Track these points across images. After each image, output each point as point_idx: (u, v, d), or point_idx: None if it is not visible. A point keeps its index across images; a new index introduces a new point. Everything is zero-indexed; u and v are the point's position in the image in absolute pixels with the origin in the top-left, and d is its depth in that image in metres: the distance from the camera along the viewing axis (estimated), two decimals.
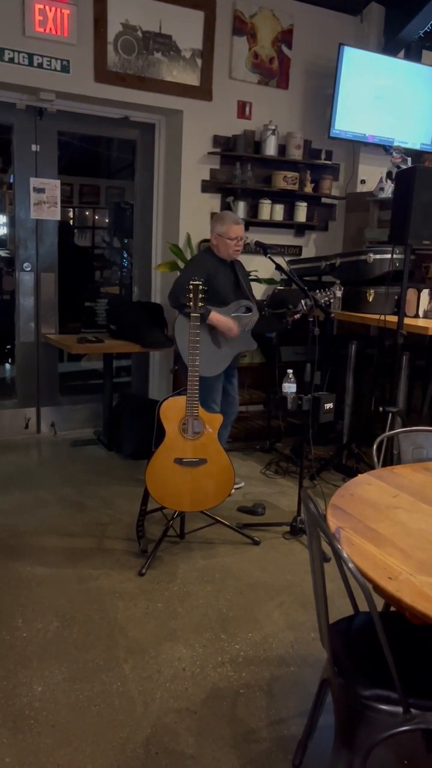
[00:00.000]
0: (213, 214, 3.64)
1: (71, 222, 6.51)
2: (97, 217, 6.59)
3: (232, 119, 4.85)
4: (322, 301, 3.53)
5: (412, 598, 1.34)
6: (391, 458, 3.24)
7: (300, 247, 5.34)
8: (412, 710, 1.49)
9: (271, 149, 4.87)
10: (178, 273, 4.31)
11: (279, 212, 5.03)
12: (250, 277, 4.80)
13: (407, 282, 3.61)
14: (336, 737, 1.61)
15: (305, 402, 3.28)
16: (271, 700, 2.19)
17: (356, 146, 5.25)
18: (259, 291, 4.95)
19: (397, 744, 1.99)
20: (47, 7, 4.07)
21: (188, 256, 4.51)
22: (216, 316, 3.46)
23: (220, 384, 3.66)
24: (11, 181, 4.71)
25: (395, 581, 1.41)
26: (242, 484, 4.02)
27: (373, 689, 1.53)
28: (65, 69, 4.21)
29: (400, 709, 1.49)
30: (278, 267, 3.46)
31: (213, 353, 3.52)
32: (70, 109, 4.53)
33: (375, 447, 2.22)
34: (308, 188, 5.07)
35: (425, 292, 4.12)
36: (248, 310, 3.59)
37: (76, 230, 6.50)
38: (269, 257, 3.46)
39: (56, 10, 4.10)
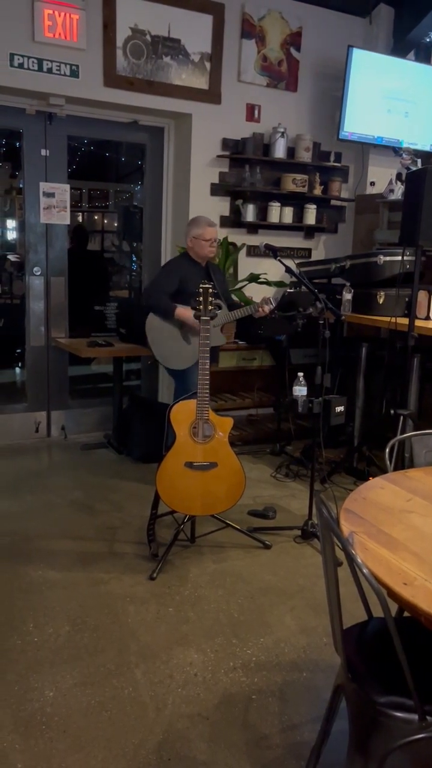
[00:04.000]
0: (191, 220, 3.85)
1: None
2: (106, 221, 6.60)
3: (241, 122, 4.85)
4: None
5: (428, 604, 1.33)
6: (402, 461, 3.21)
7: (309, 250, 5.32)
8: (428, 717, 1.47)
9: (280, 152, 4.86)
10: None
11: (288, 215, 5.02)
12: (259, 280, 4.82)
13: (418, 284, 3.59)
14: (350, 744, 1.59)
15: (316, 405, 3.26)
16: (284, 706, 2.18)
17: (365, 148, 5.24)
18: (268, 294, 4.93)
19: (412, 751, 1.97)
20: (56, 13, 4.09)
21: None
22: (181, 311, 3.64)
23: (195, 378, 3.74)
24: (21, 185, 4.72)
25: (410, 587, 1.39)
26: None
27: (388, 696, 1.51)
28: (74, 74, 4.22)
29: (415, 717, 1.47)
30: (288, 269, 3.46)
31: (182, 348, 3.74)
32: (80, 113, 4.55)
33: (387, 450, 2.20)
34: (317, 190, 5.06)
35: None
36: (218, 308, 3.69)
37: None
38: (279, 260, 3.46)
39: (65, 15, 4.11)
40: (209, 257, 3.81)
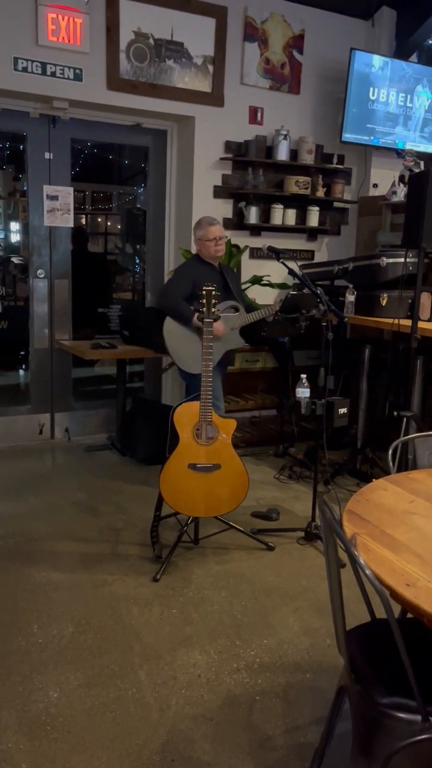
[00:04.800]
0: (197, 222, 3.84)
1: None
2: (109, 224, 6.62)
3: (244, 125, 4.86)
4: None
5: (431, 605, 1.33)
6: (405, 463, 3.21)
7: (312, 252, 5.33)
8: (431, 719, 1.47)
9: (282, 154, 4.88)
10: None
11: (291, 217, 5.03)
12: (262, 282, 4.82)
13: (421, 285, 3.59)
14: (354, 745, 1.59)
15: (319, 407, 3.26)
16: (288, 707, 2.18)
17: (368, 150, 5.25)
18: (271, 296, 4.94)
19: (416, 753, 1.97)
20: (60, 16, 4.10)
21: None
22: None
23: (219, 382, 3.70)
24: (25, 188, 4.74)
25: (413, 588, 1.40)
26: None
27: (391, 697, 1.51)
28: (78, 77, 4.24)
29: (418, 718, 1.47)
30: (291, 272, 3.47)
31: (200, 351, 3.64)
32: (83, 116, 4.57)
33: (390, 452, 2.21)
34: (320, 193, 5.07)
35: None
36: (236, 310, 3.66)
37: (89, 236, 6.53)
38: (282, 262, 3.46)
39: (69, 18, 4.13)
40: (218, 256, 3.76)
